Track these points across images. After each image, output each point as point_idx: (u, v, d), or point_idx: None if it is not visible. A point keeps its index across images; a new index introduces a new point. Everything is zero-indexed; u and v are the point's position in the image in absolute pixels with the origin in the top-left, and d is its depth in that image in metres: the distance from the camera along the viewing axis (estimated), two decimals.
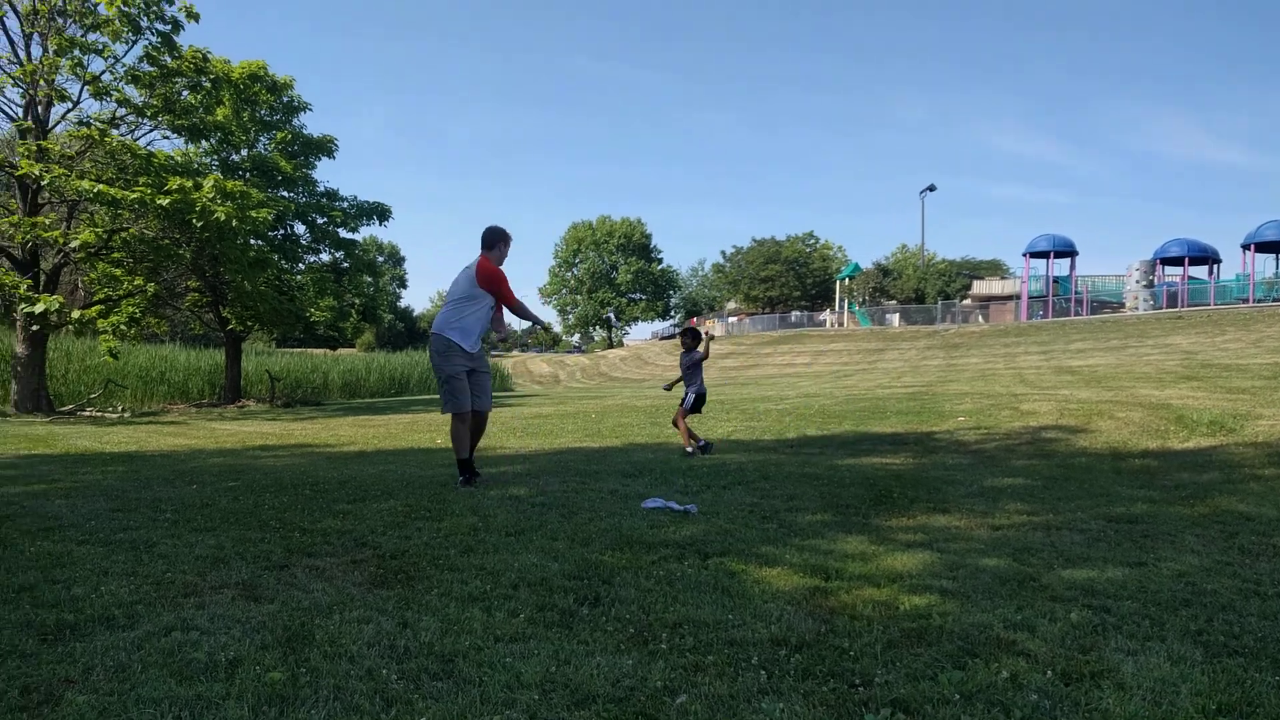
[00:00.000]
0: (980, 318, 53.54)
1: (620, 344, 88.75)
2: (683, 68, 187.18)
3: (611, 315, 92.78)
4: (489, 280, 6.67)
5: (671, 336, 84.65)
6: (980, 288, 61.24)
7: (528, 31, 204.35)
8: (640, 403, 20.46)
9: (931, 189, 71.88)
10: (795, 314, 69.08)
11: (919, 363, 35.57)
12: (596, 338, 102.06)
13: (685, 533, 4.66)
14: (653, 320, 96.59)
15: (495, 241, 6.90)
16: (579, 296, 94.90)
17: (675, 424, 9.50)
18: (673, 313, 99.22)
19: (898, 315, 57.83)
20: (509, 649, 2.83)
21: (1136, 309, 43.40)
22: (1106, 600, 3.36)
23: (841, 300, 62.31)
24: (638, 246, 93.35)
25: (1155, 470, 7.14)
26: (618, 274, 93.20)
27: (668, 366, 55.32)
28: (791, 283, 78.72)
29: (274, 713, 2.33)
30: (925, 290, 63.42)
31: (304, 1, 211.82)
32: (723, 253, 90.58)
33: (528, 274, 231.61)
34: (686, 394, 9.38)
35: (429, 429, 14.18)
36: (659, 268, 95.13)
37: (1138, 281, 44.71)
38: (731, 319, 77.17)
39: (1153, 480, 6.69)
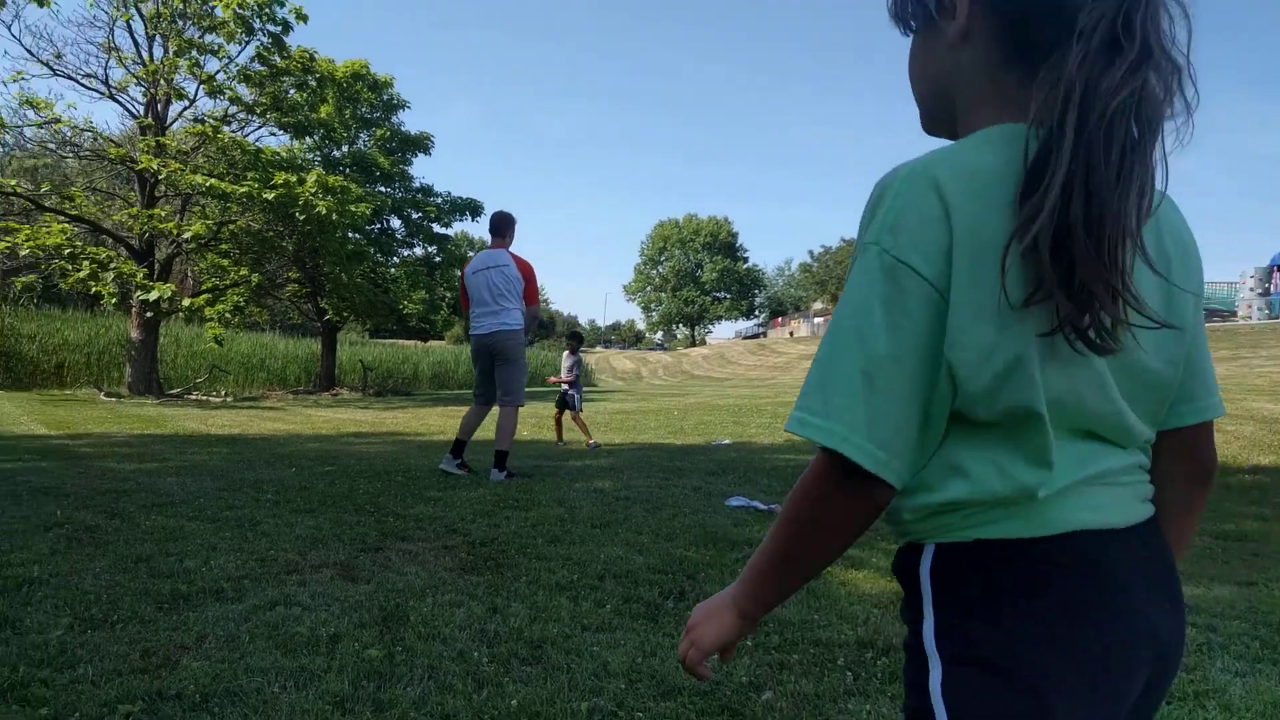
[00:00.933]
0: None
1: (703, 342, 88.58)
2: (773, 67, 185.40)
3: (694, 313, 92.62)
4: (530, 274, 6.80)
5: (755, 336, 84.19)
6: None
7: (619, 29, 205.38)
8: (723, 401, 20.42)
9: None
10: None
11: None
12: (679, 335, 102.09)
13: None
14: (736, 319, 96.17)
15: (513, 225, 7.00)
16: (663, 294, 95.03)
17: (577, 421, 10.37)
18: (757, 312, 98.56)
19: None
20: (596, 638, 2.88)
21: (1250, 318, 41.22)
22: (1213, 619, 3.23)
23: None
24: (723, 245, 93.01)
25: (1266, 487, 6.79)
26: (703, 272, 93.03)
27: (751, 366, 55.00)
28: None
29: (372, 687, 2.43)
30: None
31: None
32: (810, 252, 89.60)
33: (614, 271, 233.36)
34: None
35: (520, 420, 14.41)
36: (744, 267, 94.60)
37: (1252, 289, 42.45)
38: (817, 320, 76.21)
39: (1264, 497, 6.36)
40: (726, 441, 10.47)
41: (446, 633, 2.89)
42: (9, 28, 18.38)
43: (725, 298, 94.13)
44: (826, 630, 3.00)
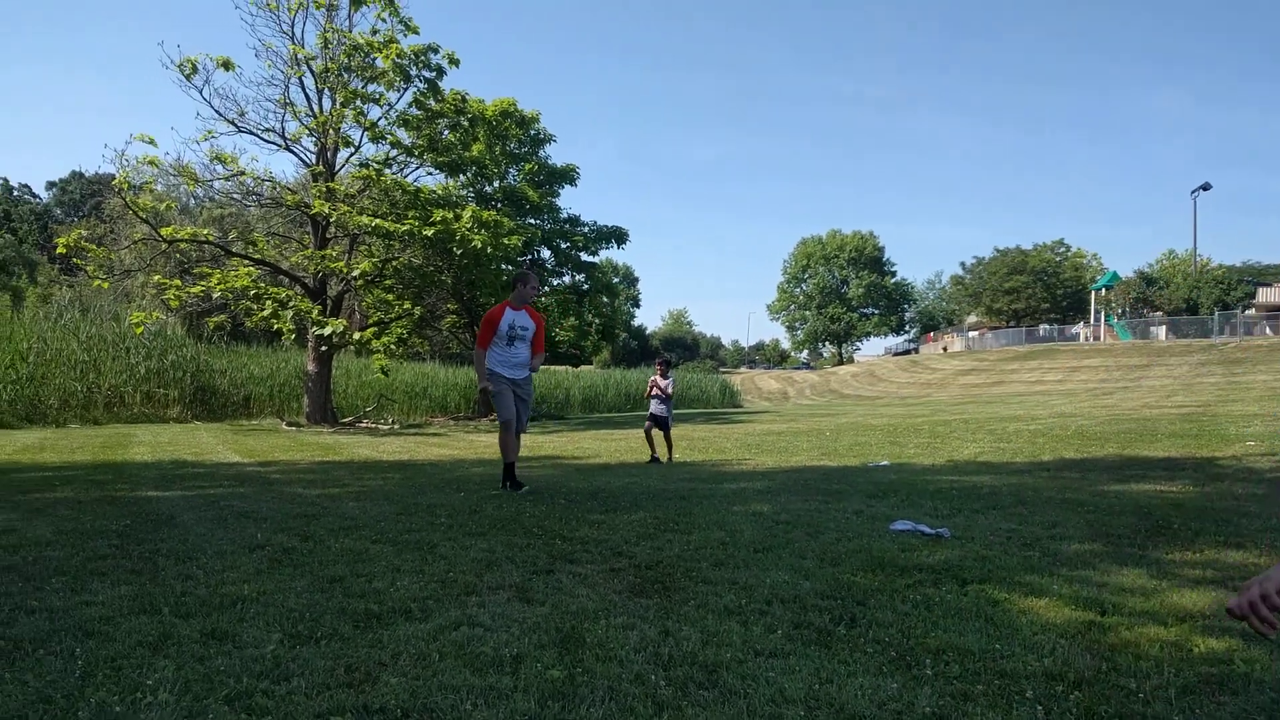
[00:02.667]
0: (1269, 329, 47.34)
1: (851, 360, 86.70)
2: (909, 76, 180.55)
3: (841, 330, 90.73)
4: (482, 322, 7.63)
5: (906, 352, 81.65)
6: (1267, 295, 54.27)
7: (750, 52, 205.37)
8: (876, 421, 19.91)
9: (1206, 188, 64.10)
10: (1044, 327, 64.40)
11: (1192, 380, 32.04)
12: (826, 354, 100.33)
13: (939, 557, 4.50)
14: (886, 335, 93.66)
15: (514, 283, 7.86)
16: (808, 312, 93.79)
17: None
18: (907, 327, 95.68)
19: (1164, 328, 52.39)
20: (770, 663, 2.88)
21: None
22: None
23: (1097, 312, 57.49)
24: (869, 260, 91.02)
25: None
26: (848, 289, 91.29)
27: (903, 384, 53.42)
28: (1039, 294, 73.54)
29: (557, 708, 2.52)
30: (1198, 300, 56.87)
31: (542, 33, 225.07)
32: (962, 264, 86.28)
33: (755, 289, 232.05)
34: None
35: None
36: (892, 281, 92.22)
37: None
38: (972, 333, 73.20)
39: None
40: (885, 463, 10.21)
41: (623, 655, 2.96)
42: (200, 91, 20.13)
43: (873, 314, 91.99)
44: (1010, 661, 2.88)
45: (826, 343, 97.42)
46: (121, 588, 3.88)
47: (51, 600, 3.66)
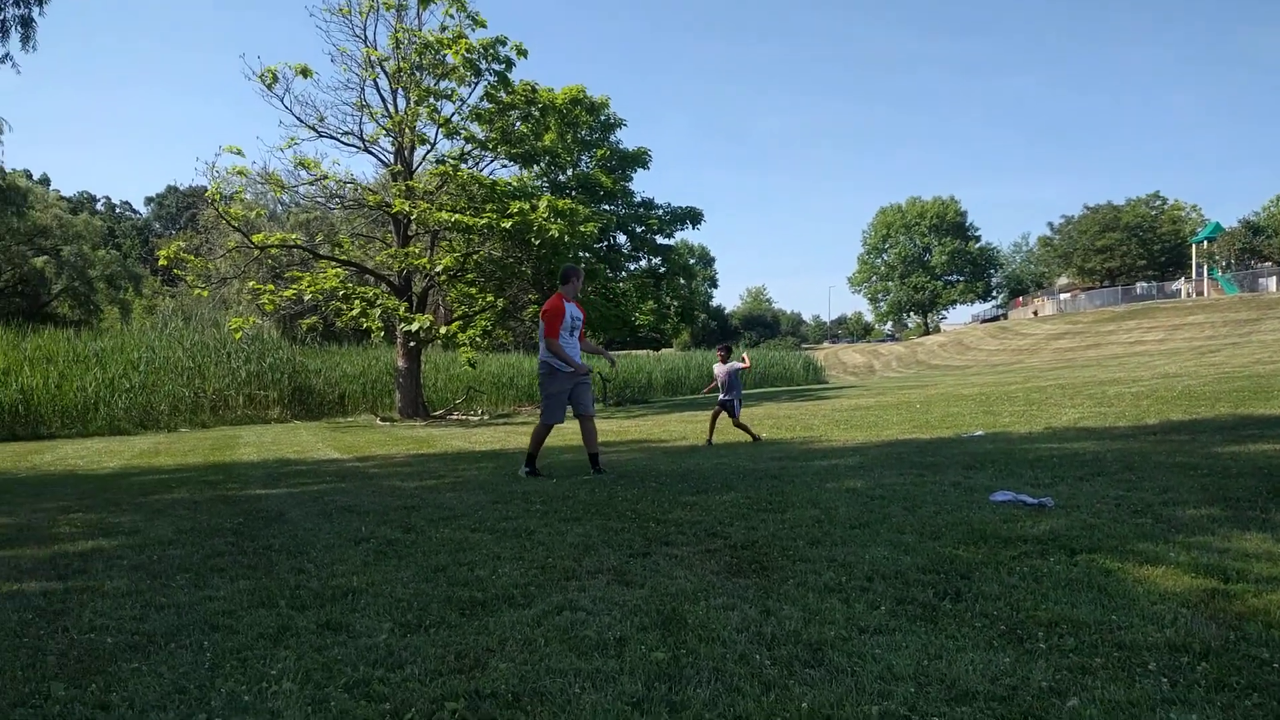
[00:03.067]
0: None
1: (937, 330, 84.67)
2: (985, 30, 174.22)
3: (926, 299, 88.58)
4: (543, 314, 7.73)
5: (994, 319, 79.34)
6: None
7: (816, 17, 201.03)
8: (967, 390, 19.42)
9: None
10: (1141, 285, 61.79)
11: None
12: (911, 324, 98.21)
13: (1044, 527, 4.37)
14: (972, 302, 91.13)
15: (568, 277, 7.99)
16: (890, 283, 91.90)
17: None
18: (995, 293, 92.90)
19: (1275, 278, 49.63)
20: (875, 640, 2.84)
21: None
22: None
23: (1199, 266, 54.82)
24: (952, 226, 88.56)
25: None
26: (931, 256, 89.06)
27: (993, 351, 51.97)
28: (1135, 251, 70.47)
29: (664, 689, 2.53)
30: None
31: (606, 13, 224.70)
32: (1050, 224, 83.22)
33: (835, 262, 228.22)
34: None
35: (751, 422, 14.47)
36: (976, 246, 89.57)
37: None
38: (1063, 295, 70.64)
39: None
40: (980, 433, 9.95)
41: (725, 635, 2.96)
42: (281, 100, 20.75)
43: (958, 281, 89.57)
44: (1130, 633, 2.78)
45: (911, 313, 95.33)
46: (240, 582, 4.06)
47: (178, 596, 3.85)
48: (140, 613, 3.60)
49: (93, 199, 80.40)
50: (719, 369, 11.33)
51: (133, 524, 6.01)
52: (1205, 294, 51.54)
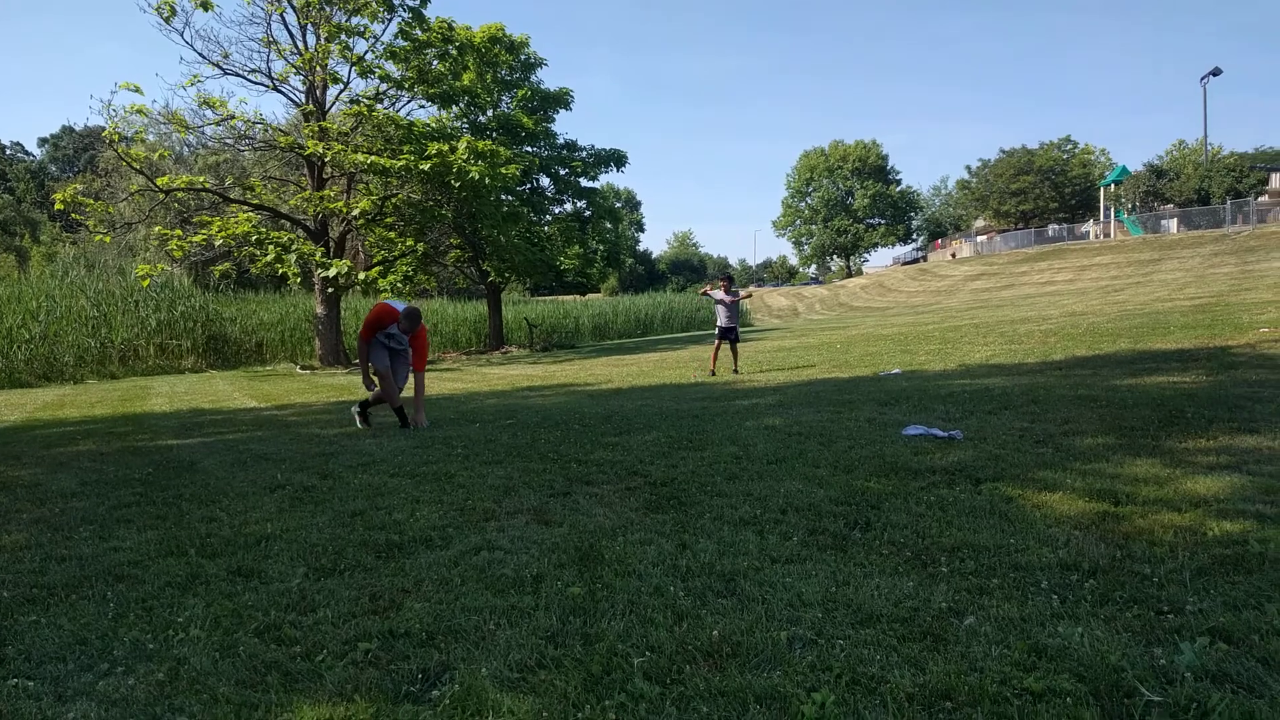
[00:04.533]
0: None
1: (860, 272, 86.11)
2: None
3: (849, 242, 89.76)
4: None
5: (914, 261, 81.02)
6: None
7: None
8: (886, 331, 19.86)
9: (1216, 73, 62.18)
10: (1053, 227, 63.54)
11: (1204, 272, 31.70)
12: (834, 268, 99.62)
13: (952, 459, 4.52)
14: (893, 245, 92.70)
15: (404, 318, 7.56)
16: (814, 226, 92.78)
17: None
18: (914, 236, 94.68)
19: (1175, 220, 51.54)
20: (786, 570, 2.92)
21: None
22: None
23: (1107, 209, 56.63)
24: (874, 169, 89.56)
25: None
26: (854, 200, 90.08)
27: (913, 293, 53.12)
28: (1047, 194, 72.44)
29: (579, 623, 2.56)
30: (1210, 190, 55.74)
31: None
32: (968, 168, 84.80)
33: (759, 208, 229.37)
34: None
35: (677, 365, 14.59)
36: (898, 190, 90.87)
37: None
38: (980, 238, 72.40)
39: None
40: (896, 371, 10.21)
41: (641, 569, 3.00)
42: (181, 34, 19.67)
43: (880, 224, 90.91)
44: (1025, 554, 2.91)
45: (834, 256, 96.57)
46: (148, 533, 3.95)
47: (81, 548, 3.73)
48: (40, 565, 3.48)
49: None
50: (723, 298, 12.12)
51: (33, 477, 5.78)
52: (1112, 235, 53.35)
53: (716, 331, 12.50)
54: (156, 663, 2.42)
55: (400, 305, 7.56)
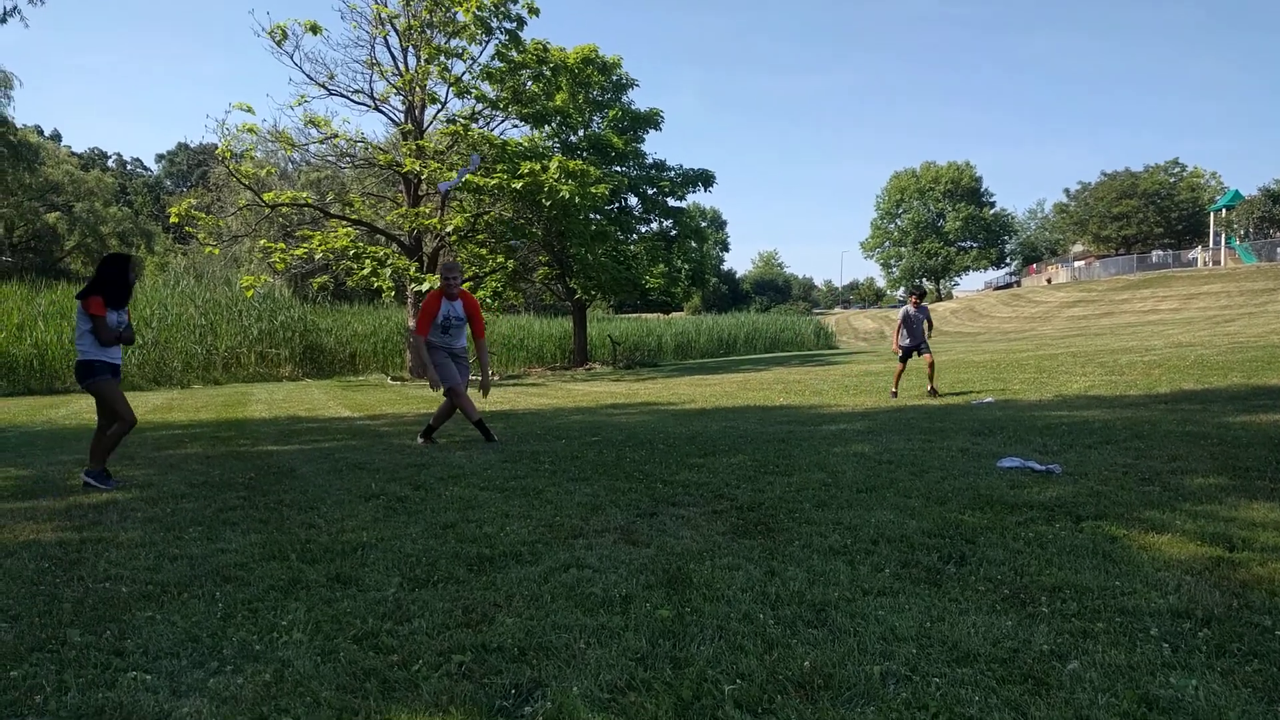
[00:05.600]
0: None
1: (950, 296, 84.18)
2: None
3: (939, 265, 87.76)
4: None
5: (1007, 285, 78.83)
6: None
7: None
8: (978, 357, 19.35)
9: None
10: (1156, 254, 61.12)
11: None
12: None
13: (1051, 494, 4.38)
14: (985, 269, 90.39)
15: (442, 276, 7.70)
16: (903, 248, 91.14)
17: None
18: (1008, 260, 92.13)
19: None
20: (879, 602, 2.86)
21: None
22: None
23: (1217, 235, 54.14)
24: (966, 191, 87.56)
25: None
26: (945, 222, 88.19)
27: (1005, 318, 51.70)
28: (1151, 218, 69.71)
29: (668, 646, 2.56)
30: None
31: None
32: (1066, 191, 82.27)
33: (847, 229, 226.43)
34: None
35: (761, 387, 14.50)
36: (991, 212, 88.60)
37: None
38: (1078, 263, 70.05)
39: None
40: (989, 400, 9.94)
41: (729, 595, 2.99)
42: (291, 57, 20.60)
43: (972, 247, 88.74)
44: (1131, 598, 2.79)
45: (923, 279, 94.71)
46: (251, 536, 4.12)
47: (190, 548, 3.91)
48: (154, 563, 3.65)
49: (104, 155, 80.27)
50: (911, 312, 11.54)
51: (146, 478, 6.08)
52: (1222, 263, 50.97)
53: (899, 353, 11.72)
54: (263, 664, 2.51)
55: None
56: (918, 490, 4.62)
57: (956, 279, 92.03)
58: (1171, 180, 72.55)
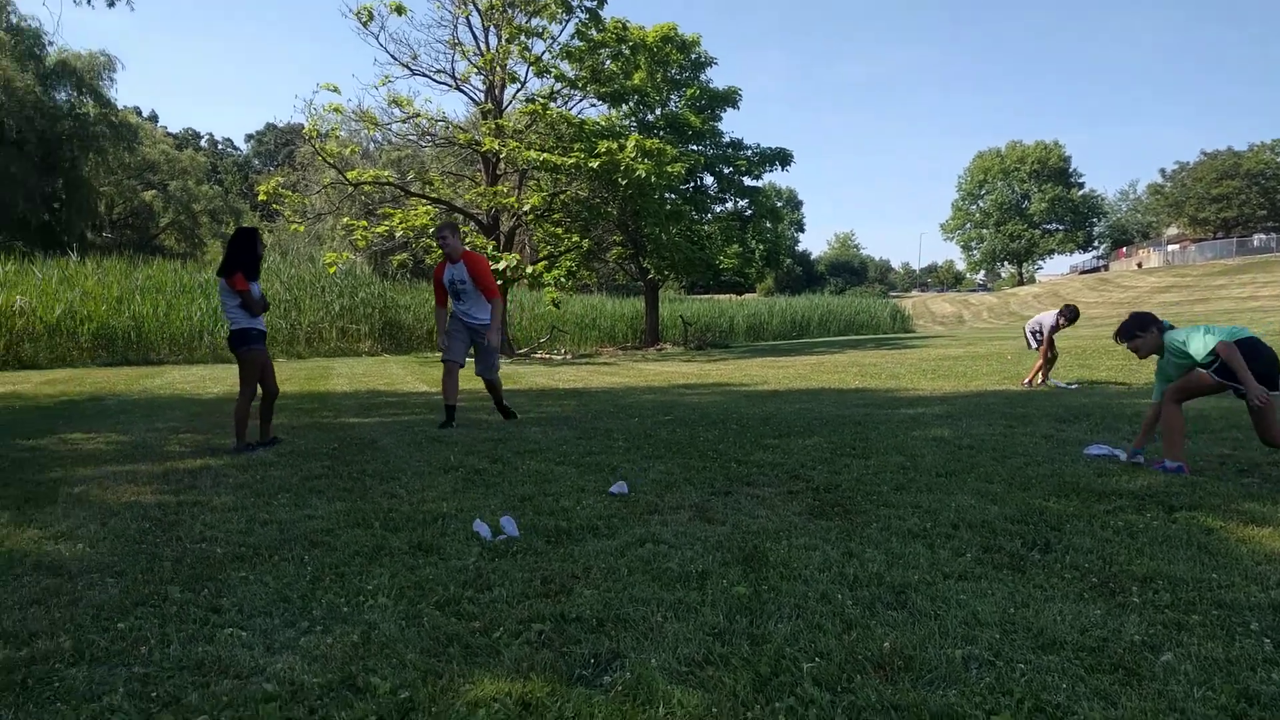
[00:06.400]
0: None
1: (1032, 280, 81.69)
2: None
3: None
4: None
5: (1094, 270, 76.14)
6: None
7: None
8: (1063, 343, 18.74)
9: None
10: (1259, 237, 58.21)
11: None
12: (1004, 274, 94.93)
13: (1141, 483, 4.23)
14: (1071, 252, 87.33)
15: (438, 239, 7.39)
16: (985, 230, 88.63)
17: None
18: (1096, 243, 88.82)
19: None
20: (960, 586, 2.81)
21: None
22: None
23: None
24: (1054, 171, 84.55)
25: None
26: (1030, 203, 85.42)
27: (1091, 303, 49.95)
28: (1254, 200, 66.33)
29: (745, 622, 2.56)
30: None
31: None
32: (1162, 171, 78.77)
33: (926, 210, 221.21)
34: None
35: (835, 370, 14.32)
36: (1079, 194, 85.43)
37: None
38: (1171, 247, 67.20)
39: None
40: (1074, 385, 9.64)
41: (806, 574, 2.97)
42: (376, 38, 20.97)
43: (1057, 230, 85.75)
44: (1230, 591, 2.69)
45: (1005, 262, 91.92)
46: (337, 503, 4.25)
47: (279, 513, 4.05)
48: (246, 527, 3.80)
49: (197, 135, 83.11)
50: (1046, 321, 10.42)
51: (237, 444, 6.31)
52: None
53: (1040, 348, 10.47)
54: (350, 625, 2.60)
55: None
56: (999, 476, 4.51)
57: (1040, 262, 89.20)
58: (1278, 160, 68.89)
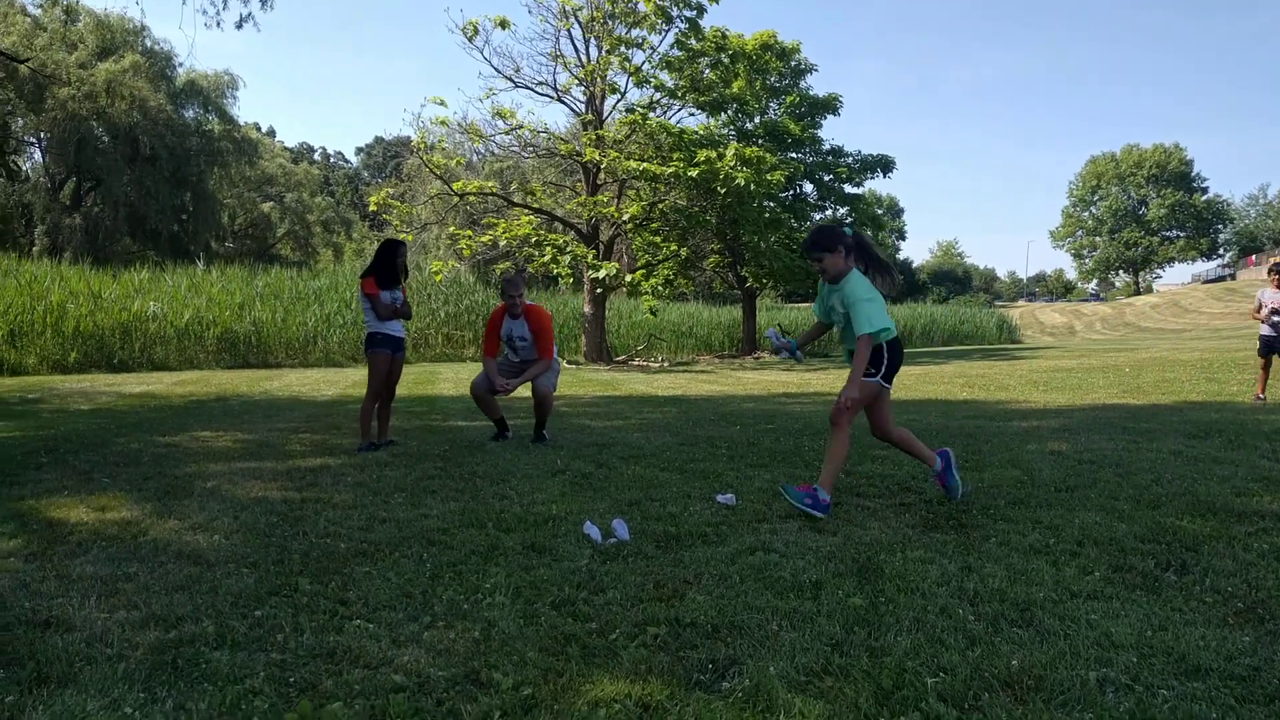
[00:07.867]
0: None
1: (1149, 289, 77.88)
2: None
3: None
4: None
5: (1220, 279, 72.15)
6: None
7: None
8: (1185, 356, 17.83)
9: None
10: None
11: None
12: (1118, 284, 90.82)
13: None
14: (1193, 261, 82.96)
15: (502, 290, 6.89)
16: (1098, 238, 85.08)
17: None
18: (1221, 251, 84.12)
19: None
20: (1089, 606, 2.70)
21: None
22: None
23: None
24: (1174, 176, 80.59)
25: None
26: (1147, 209, 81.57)
27: (1215, 314, 47.38)
28: None
29: (863, 634, 2.52)
30: None
31: None
32: None
33: (1035, 216, 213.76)
34: None
35: (941, 381, 13.95)
36: (1202, 199, 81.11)
37: None
38: None
39: None
40: (1202, 401, 9.13)
41: (924, 588, 2.90)
42: (481, 52, 21.56)
43: (1178, 237, 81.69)
44: None
45: (1119, 271, 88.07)
46: (450, 504, 4.36)
47: (397, 512, 4.18)
48: (366, 524, 3.94)
49: (311, 149, 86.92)
50: (1269, 297, 9.33)
51: (352, 445, 6.55)
52: None
53: (1259, 345, 9.46)
54: (470, 621, 2.66)
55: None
56: (1125, 493, 4.31)
57: (1158, 271, 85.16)
58: None
